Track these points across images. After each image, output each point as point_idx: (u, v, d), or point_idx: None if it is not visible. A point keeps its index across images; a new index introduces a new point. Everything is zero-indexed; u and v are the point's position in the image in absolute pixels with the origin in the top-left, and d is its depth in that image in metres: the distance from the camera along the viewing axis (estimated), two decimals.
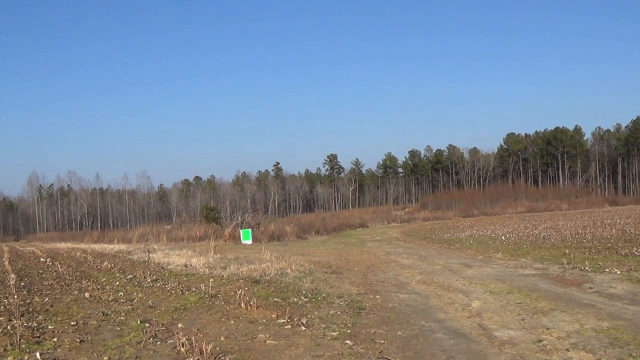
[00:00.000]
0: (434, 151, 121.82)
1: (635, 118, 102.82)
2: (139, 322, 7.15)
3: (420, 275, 12.36)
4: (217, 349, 5.81)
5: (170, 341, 6.13)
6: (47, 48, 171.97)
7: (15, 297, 9.17)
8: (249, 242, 31.64)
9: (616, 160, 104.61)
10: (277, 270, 12.74)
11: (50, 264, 18.16)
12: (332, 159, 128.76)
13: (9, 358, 5.32)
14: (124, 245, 34.76)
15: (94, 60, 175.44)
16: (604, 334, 6.19)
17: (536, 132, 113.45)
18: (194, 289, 10.17)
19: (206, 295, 9.33)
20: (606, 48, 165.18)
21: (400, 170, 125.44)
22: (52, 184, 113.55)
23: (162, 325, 7.08)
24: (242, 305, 8.17)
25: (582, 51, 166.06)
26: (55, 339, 6.14)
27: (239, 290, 9.27)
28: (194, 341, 5.83)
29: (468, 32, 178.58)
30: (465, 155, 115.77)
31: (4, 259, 21.92)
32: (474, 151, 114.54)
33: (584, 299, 8.43)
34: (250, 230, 33.62)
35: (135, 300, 9.10)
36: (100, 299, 9.33)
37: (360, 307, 8.56)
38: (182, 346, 5.77)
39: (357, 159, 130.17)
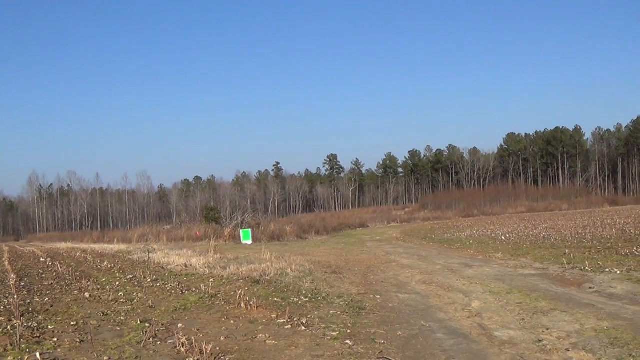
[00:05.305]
0: (434, 151, 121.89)
1: (635, 118, 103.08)
2: (139, 322, 7.15)
3: (420, 275, 12.36)
4: (217, 349, 5.81)
5: (170, 341, 6.13)
6: (46, 47, 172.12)
7: (15, 297, 9.17)
8: (249, 242, 31.62)
9: (616, 160, 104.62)
10: (277, 270, 12.74)
11: (50, 264, 18.16)
12: (332, 159, 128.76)
13: (9, 358, 5.31)
14: (124, 245, 34.75)
15: (94, 60, 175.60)
16: (604, 334, 6.19)
17: (536, 132, 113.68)
18: (194, 289, 10.17)
19: (206, 295, 9.34)
20: (607, 47, 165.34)
21: (400, 170, 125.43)
22: (52, 184, 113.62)
23: (162, 325, 7.08)
24: (242, 305, 8.17)
25: (582, 50, 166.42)
26: (55, 339, 6.14)
27: (239, 290, 9.27)
28: (194, 341, 5.83)
29: (468, 32, 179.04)
30: (465, 155, 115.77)
31: (4, 259, 21.92)
32: (474, 151, 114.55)
33: (584, 299, 8.43)
34: (250, 230, 33.61)
35: (135, 300, 9.10)
36: (100, 299, 9.32)
37: (360, 307, 8.56)
38: (182, 346, 5.77)
39: (357, 159, 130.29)
